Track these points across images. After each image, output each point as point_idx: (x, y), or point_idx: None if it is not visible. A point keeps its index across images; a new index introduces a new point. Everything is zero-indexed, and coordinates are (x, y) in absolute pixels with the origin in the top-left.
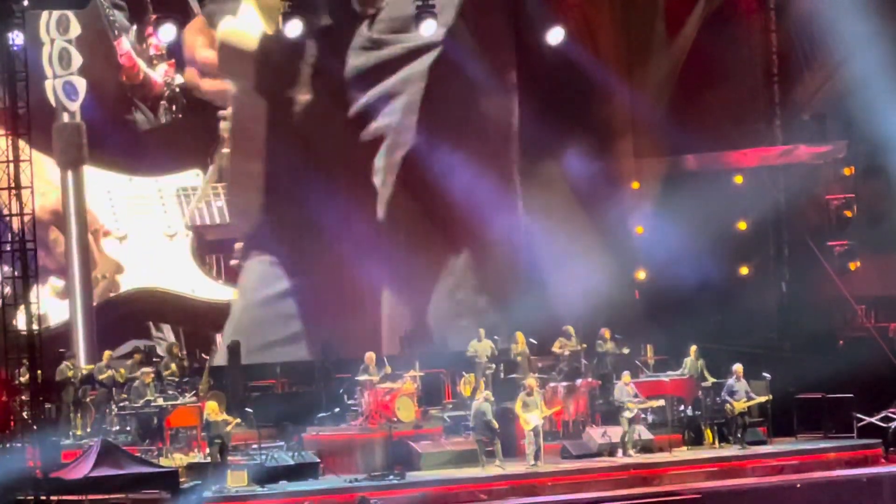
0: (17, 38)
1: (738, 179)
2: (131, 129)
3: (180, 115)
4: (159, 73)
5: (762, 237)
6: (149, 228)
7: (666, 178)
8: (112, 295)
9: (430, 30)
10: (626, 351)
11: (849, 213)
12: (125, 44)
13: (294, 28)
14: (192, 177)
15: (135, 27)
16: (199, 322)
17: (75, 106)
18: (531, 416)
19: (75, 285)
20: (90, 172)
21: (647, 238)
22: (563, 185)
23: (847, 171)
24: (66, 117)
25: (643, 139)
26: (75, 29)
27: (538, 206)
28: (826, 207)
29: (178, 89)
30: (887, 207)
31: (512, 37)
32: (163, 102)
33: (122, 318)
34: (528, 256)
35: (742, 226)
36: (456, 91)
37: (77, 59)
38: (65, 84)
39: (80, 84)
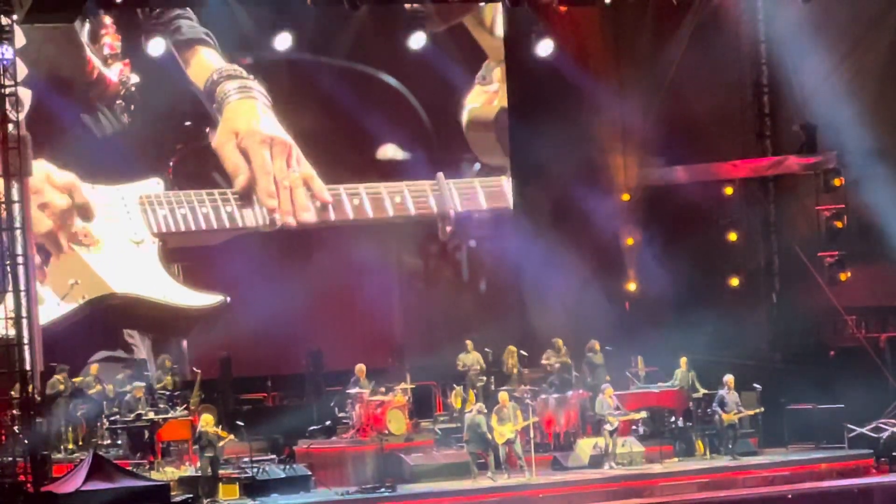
0: (6, 52)
1: (728, 190)
2: (91, 136)
3: (137, 116)
4: (114, 73)
5: (752, 248)
6: (116, 235)
7: (656, 190)
8: (83, 301)
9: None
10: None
11: (839, 224)
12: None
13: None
14: (153, 185)
15: (88, 26)
16: (168, 328)
17: (20, 117)
18: (505, 430)
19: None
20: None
21: (637, 249)
22: (552, 195)
23: (837, 182)
24: (10, 128)
25: (633, 150)
26: (20, 39)
27: (528, 217)
28: (816, 218)
29: (133, 89)
30: (878, 218)
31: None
32: (119, 102)
33: (93, 324)
34: (518, 267)
35: (732, 237)
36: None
37: (22, 70)
38: (9, 95)
39: (25, 95)
